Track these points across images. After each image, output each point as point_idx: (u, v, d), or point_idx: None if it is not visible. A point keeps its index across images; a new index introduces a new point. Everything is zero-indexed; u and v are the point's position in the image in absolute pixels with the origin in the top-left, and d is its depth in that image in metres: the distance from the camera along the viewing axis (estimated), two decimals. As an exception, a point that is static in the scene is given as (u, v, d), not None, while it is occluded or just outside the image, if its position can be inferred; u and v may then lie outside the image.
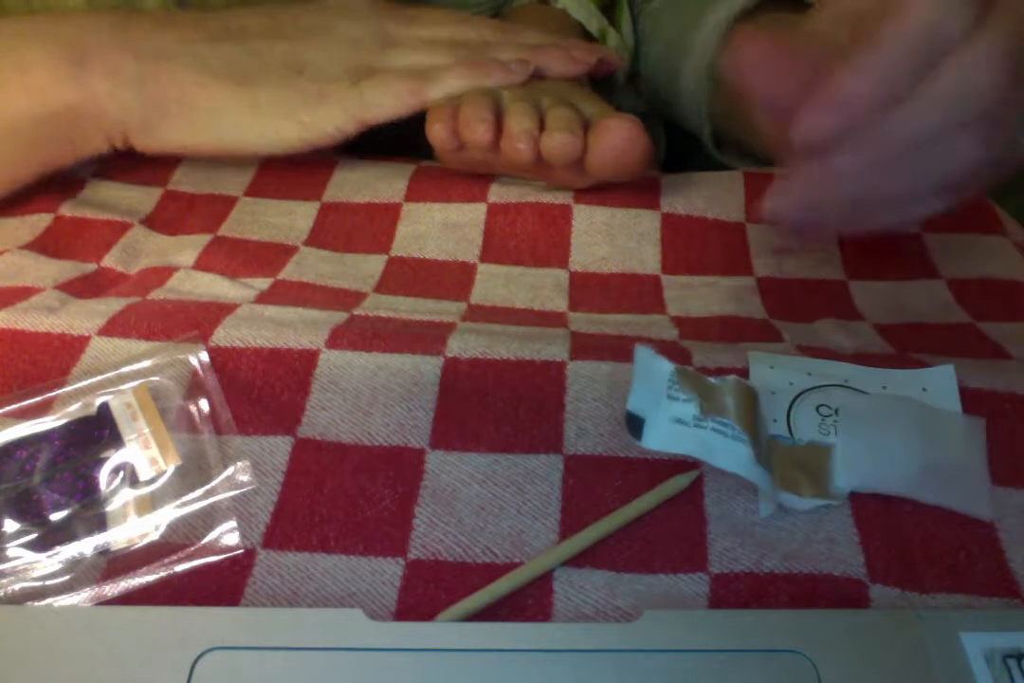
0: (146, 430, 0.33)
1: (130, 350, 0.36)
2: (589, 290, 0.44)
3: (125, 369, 0.35)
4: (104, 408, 0.33)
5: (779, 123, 0.34)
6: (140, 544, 0.30)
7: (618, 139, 0.44)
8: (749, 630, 0.26)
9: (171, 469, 0.32)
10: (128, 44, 0.45)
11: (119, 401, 0.34)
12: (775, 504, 0.31)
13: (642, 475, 0.33)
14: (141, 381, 0.35)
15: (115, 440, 0.32)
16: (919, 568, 0.30)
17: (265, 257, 0.45)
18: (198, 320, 0.38)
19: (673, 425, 0.31)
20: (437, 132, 0.46)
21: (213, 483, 0.32)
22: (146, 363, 0.35)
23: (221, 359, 0.36)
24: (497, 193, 0.49)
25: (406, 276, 0.45)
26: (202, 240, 0.46)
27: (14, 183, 0.46)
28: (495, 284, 0.44)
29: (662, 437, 0.31)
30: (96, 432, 0.33)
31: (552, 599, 0.29)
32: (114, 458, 0.32)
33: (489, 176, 0.50)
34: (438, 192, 0.49)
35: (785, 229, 0.39)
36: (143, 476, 0.32)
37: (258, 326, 0.37)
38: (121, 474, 0.32)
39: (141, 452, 0.32)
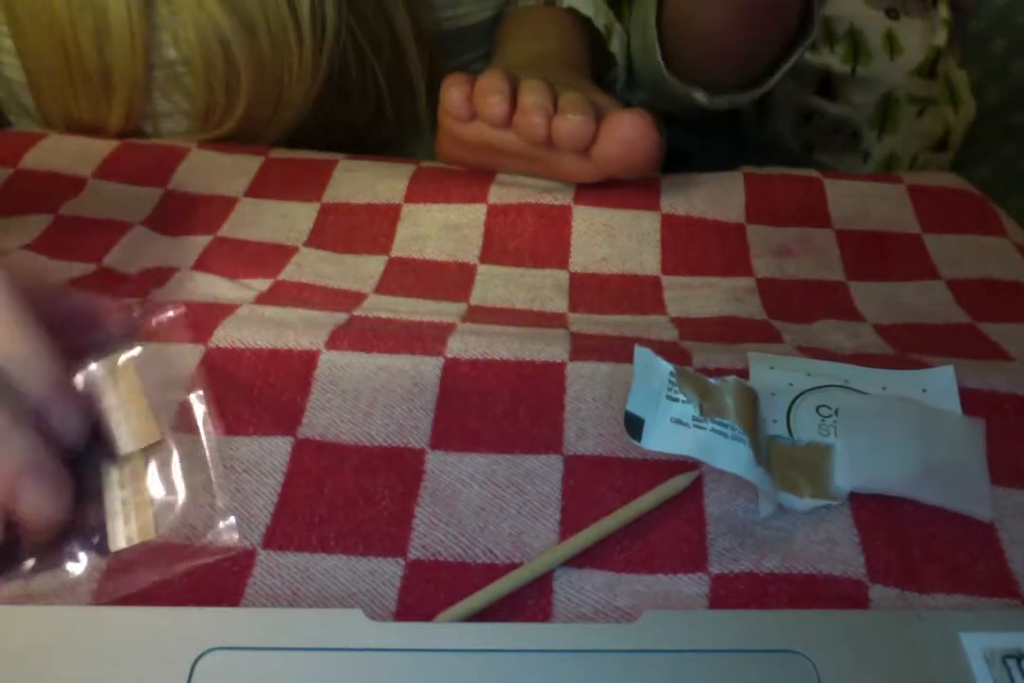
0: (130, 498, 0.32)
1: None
2: (589, 291, 0.44)
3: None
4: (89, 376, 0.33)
5: None
6: (140, 544, 0.30)
7: (629, 132, 0.43)
8: (749, 630, 0.26)
9: (178, 475, 0.32)
10: None
11: (102, 370, 0.33)
12: (775, 504, 0.31)
13: (642, 475, 0.33)
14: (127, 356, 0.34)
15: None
16: (919, 568, 0.30)
17: (265, 258, 0.45)
18: (198, 320, 0.38)
19: (672, 426, 0.31)
20: (452, 96, 0.45)
21: (213, 484, 0.32)
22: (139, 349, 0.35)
23: (221, 359, 0.36)
24: (497, 194, 0.49)
25: (406, 277, 0.45)
26: (202, 241, 0.46)
27: None
28: (495, 285, 0.44)
29: (661, 438, 0.31)
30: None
31: (552, 599, 0.29)
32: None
33: (489, 176, 0.50)
34: (438, 193, 0.49)
35: None
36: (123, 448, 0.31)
37: (258, 327, 0.37)
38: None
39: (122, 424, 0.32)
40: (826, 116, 0.70)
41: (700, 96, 0.56)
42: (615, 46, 0.61)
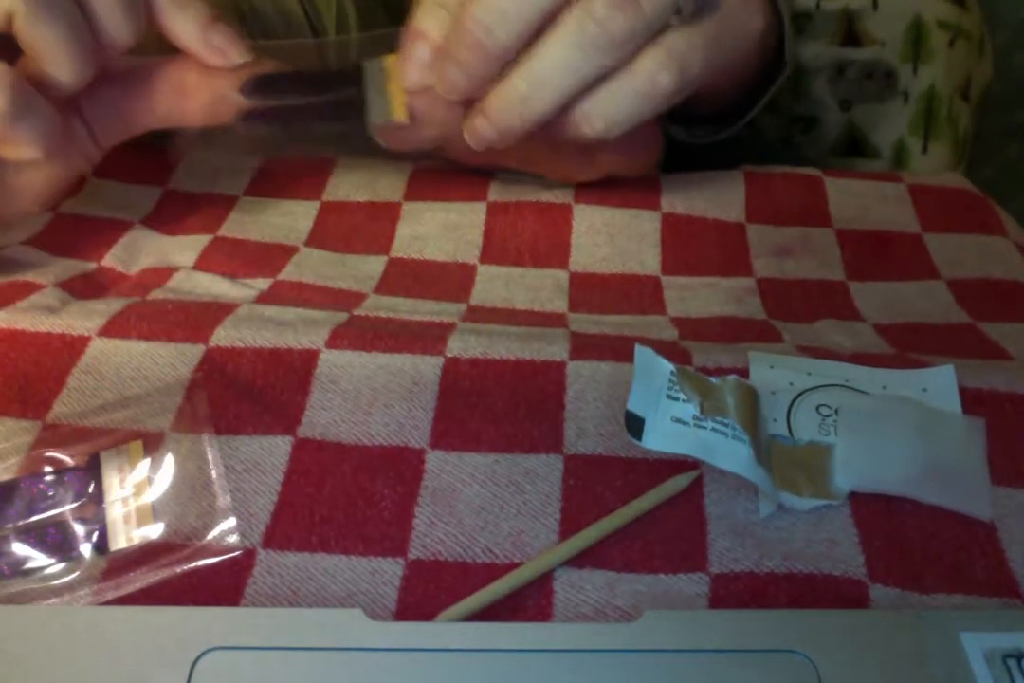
0: (130, 498, 0.31)
1: (130, 350, 0.36)
2: (589, 291, 0.44)
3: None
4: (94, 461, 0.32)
5: None
6: (140, 544, 0.30)
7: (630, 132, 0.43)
8: (749, 630, 0.26)
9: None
10: None
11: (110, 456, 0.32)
12: (775, 504, 0.31)
13: (642, 475, 0.33)
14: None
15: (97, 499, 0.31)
16: (919, 568, 0.30)
17: (265, 257, 0.45)
18: (198, 320, 0.38)
19: (673, 425, 0.31)
20: None
21: (213, 484, 0.32)
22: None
23: (221, 359, 0.36)
24: (497, 192, 0.49)
25: (406, 277, 0.45)
26: (202, 240, 0.46)
27: None
28: (495, 285, 0.44)
29: (662, 437, 0.31)
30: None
31: (552, 599, 0.29)
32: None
33: (489, 175, 0.50)
34: (437, 191, 0.49)
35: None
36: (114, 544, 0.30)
37: (258, 326, 0.37)
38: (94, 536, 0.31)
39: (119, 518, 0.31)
40: (855, 64, 0.67)
41: (678, 131, 0.56)
42: None
